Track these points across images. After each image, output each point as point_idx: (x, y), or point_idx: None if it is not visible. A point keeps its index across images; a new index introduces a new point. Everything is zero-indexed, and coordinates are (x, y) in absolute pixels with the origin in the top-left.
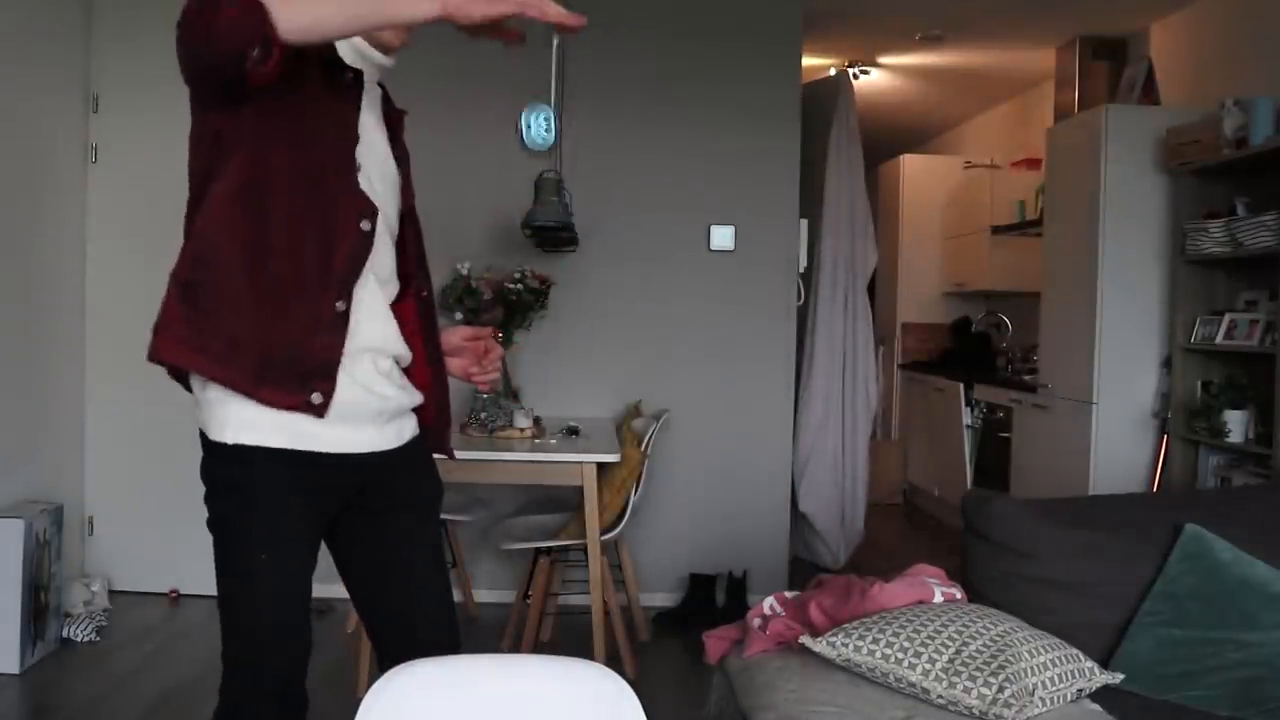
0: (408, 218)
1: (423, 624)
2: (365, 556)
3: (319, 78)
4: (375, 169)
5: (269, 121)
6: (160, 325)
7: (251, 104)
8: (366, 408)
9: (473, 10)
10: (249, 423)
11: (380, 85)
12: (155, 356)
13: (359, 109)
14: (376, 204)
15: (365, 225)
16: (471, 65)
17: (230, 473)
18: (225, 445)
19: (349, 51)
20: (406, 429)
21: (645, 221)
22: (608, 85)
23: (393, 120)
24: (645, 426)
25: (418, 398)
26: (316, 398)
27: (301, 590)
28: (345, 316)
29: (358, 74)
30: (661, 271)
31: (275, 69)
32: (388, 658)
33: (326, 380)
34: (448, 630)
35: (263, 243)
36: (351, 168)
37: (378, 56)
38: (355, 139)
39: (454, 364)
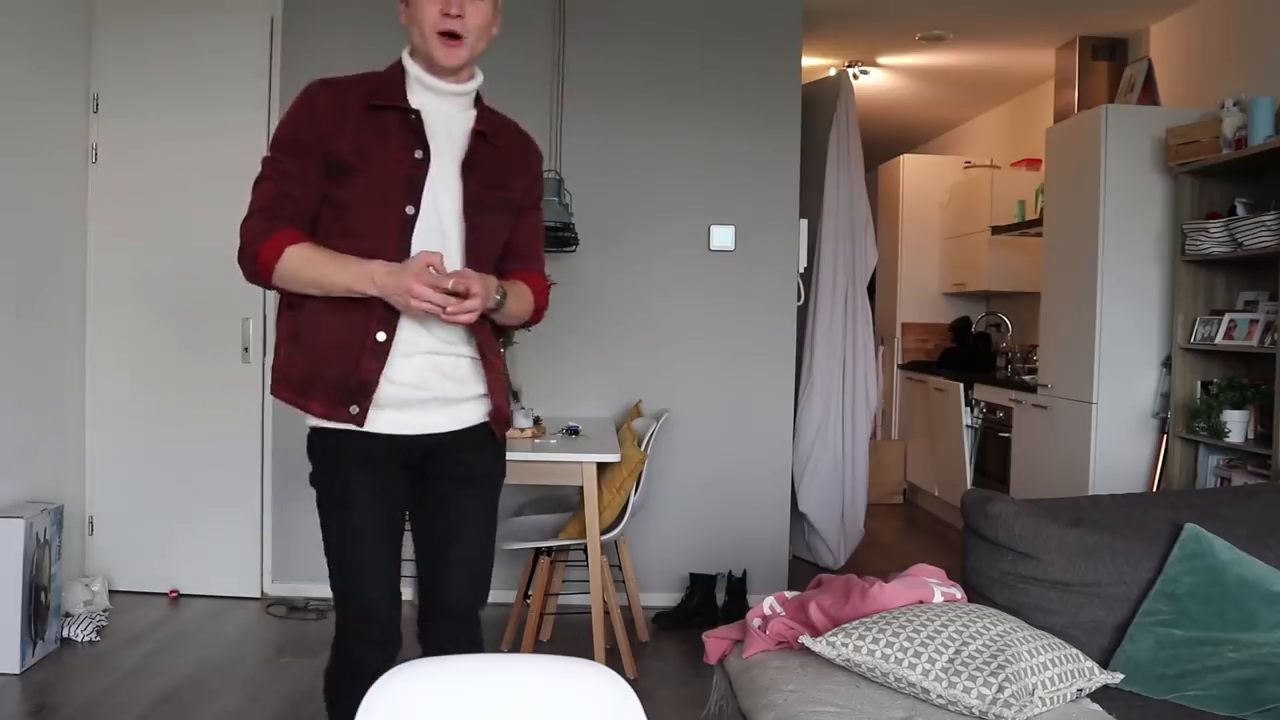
0: (473, 218)
1: (452, 591)
2: (418, 523)
3: (384, 124)
4: (441, 189)
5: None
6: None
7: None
8: (415, 397)
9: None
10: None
11: (478, 96)
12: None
13: (412, 148)
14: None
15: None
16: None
17: (313, 449)
18: (311, 429)
19: (418, 89)
20: (466, 414)
21: (645, 221)
22: (608, 85)
23: (480, 131)
24: (645, 426)
25: (475, 389)
26: (354, 409)
27: (373, 550)
28: (386, 345)
29: (417, 114)
30: (661, 271)
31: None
32: (421, 619)
33: (365, 396)
34: (468, 601)
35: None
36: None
37: (446, 86)
38: (404, 175)
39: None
